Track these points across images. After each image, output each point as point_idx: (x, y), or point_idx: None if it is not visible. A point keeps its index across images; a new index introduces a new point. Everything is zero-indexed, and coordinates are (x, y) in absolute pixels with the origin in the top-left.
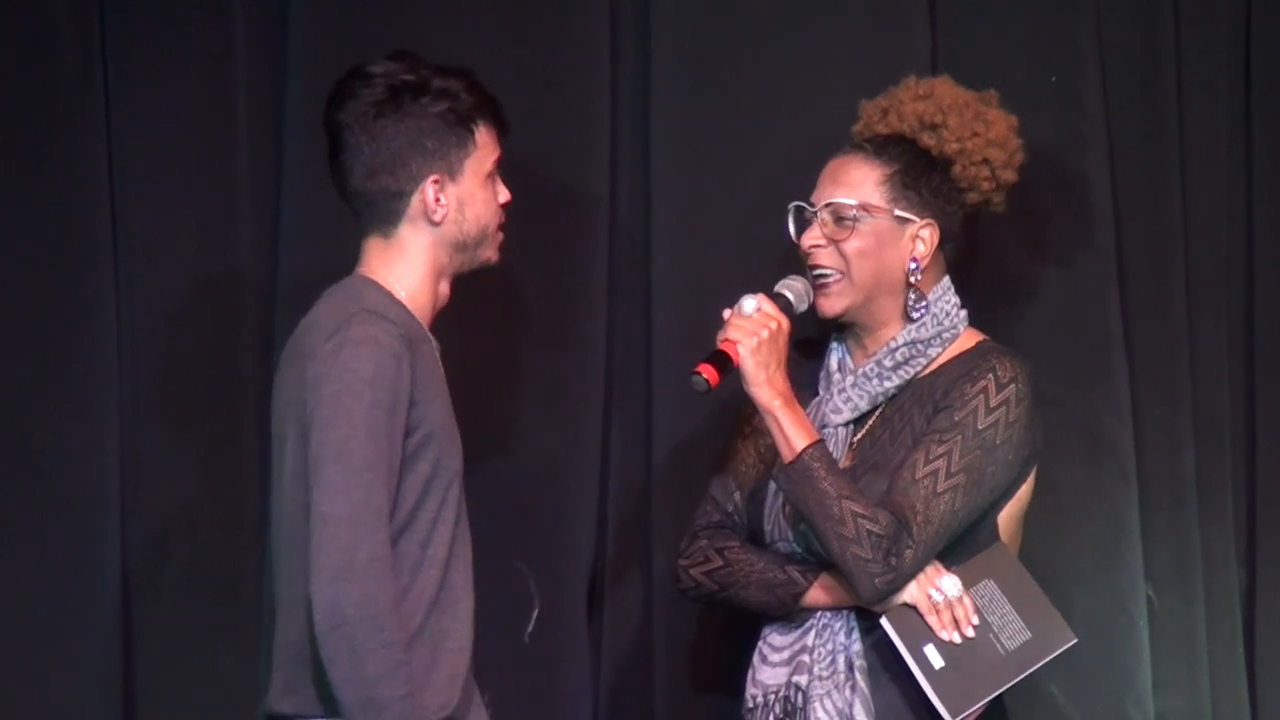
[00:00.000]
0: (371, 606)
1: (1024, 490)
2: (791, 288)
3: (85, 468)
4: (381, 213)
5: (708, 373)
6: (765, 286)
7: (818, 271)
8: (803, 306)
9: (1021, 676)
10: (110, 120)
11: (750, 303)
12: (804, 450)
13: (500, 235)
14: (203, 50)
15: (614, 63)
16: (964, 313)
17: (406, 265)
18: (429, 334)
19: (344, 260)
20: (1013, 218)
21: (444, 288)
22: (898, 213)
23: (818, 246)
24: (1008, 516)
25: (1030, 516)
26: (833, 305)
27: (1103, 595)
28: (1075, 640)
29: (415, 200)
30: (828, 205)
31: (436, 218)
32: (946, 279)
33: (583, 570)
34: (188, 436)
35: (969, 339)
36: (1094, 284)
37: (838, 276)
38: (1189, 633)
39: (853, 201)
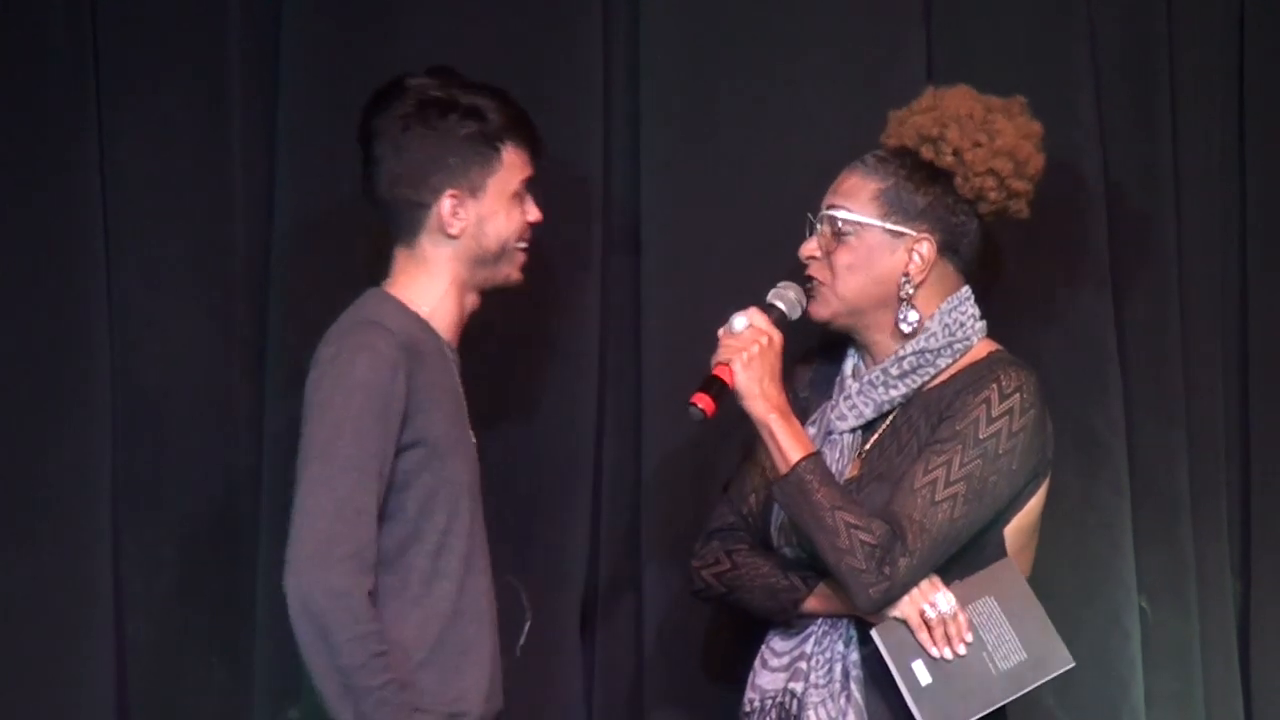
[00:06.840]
0: (346, 599)
1: (1034, 503)
2: (784, 297)
3: (78, 479)
4: (403, 222)
5: (703, 402)
6: (756, 296)
7: (810, 282)
8: (796, 314)
9: (1013, 697)
10: (103, 130)
11: (740, 320)
12: (798, 463)
13: (523, 254)
14: (196, 60)
15: (606, 77)
16: (981, 324)
17: (430, 279)
18: (447, 348)
19: (338, 268)
20: (1007, 231)
21: (471, 299)
22: (889, 227)
23: (812, 258)
24: (1016, 529)
25: None
26: (818, 311)
27: (1097, 608)
28: (1073, 664)
29: (433, 213)
30: (824, 215)
31: (453, 231)
32: (965, 290)
33: (575, 583)
34: (181, 448)
35: (982, 350)
36: (1089, 296)
37: (825, 287)
38: (1183, 646)
39: (843, 216)
